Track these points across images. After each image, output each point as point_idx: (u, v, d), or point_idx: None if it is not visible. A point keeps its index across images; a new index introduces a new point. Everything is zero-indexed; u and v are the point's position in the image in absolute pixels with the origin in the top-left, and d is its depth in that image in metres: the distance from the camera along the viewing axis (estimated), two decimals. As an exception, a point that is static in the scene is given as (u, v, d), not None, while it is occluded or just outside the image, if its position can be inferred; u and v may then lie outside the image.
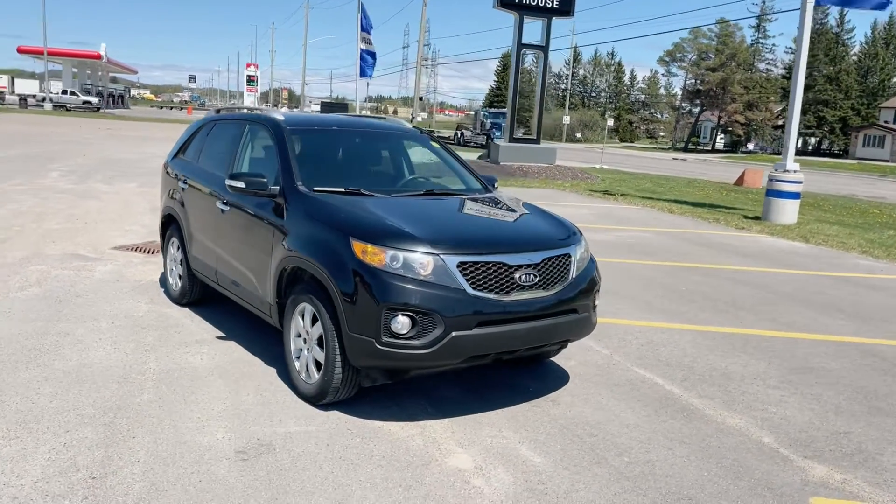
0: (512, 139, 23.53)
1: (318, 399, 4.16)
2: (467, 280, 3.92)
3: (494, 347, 4.03)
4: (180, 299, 6.20)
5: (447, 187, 5.34)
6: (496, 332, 3.96)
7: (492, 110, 56.74)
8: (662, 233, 12.43)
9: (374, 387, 4.37)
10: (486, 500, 3.28)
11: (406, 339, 3.81)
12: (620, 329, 6.26)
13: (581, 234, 4.75)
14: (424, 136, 5.90)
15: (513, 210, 4.98)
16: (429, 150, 5.82)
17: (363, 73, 41.26)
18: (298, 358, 4.37)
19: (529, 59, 59.54)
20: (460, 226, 4.53)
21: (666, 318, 6.69)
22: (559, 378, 4.98)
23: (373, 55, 41.69)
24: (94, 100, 61.75)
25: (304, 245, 4.24)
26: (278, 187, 4.64)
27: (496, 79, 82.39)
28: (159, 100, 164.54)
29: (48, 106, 55.56)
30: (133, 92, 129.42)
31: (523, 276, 4.08)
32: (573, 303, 4.32)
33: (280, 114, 5.46)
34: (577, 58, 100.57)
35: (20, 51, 64.26)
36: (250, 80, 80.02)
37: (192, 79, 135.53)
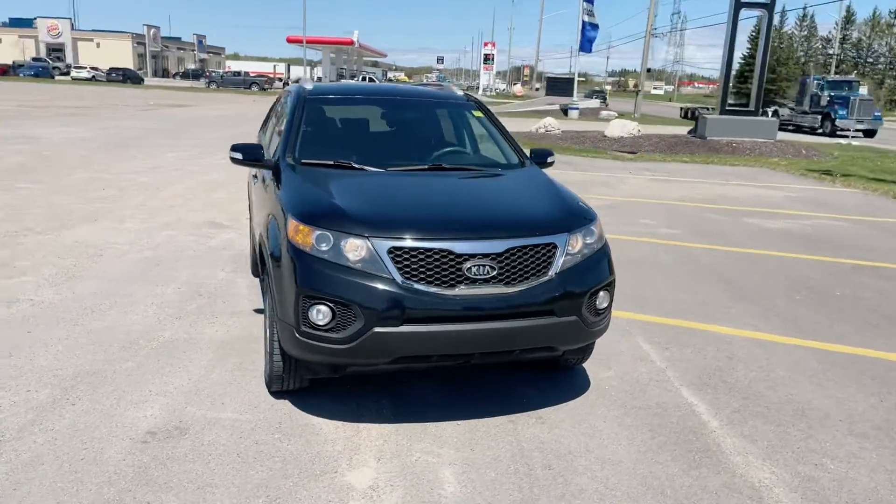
0: (724, 111, 21.06)
1: (269, 387, 3.91)
2: (399, 269, 3.38)
3: (432, 349, 3.45)
4: (253, 270, 6.33)
5: (464, 162, 4.73)
6: (432, 332, 3.37)
7: (832, 78, 38.01)
8: (863, 222, 10.21)
9: (354, 378, 4.03)
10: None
11: (324, 330, 3.39)
12: (706, 337, 5.15)
13: (591, 221, 3.90)
14: (468, 104, 5.31)
15: (515, 190, 4.26)
16: (470, 121, 5.23)
17: (583, 48, 40.12)
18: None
19: (790, 21, 51.92)
20: (415, 206, 3.93)
21: (779, 329, 5.38)
22: (571, 390, 4.19)
23: (595, 27, 40.27)
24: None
25: (269, 221, 4.00)
26: (275, 158, 4.43)
27: (749, 45, 74.76)
28: (411, 81, 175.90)
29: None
30: (389, 74, 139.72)
31: (475, 268, 3.42)
32: (551, 304, 3.55)
33: (311, 84, 5.26)
34: (850, 18, 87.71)
35: (288, 41, 72.18)
36: (487, 58, 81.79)
37: (441, 60, 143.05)
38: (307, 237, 3.44)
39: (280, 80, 75.05)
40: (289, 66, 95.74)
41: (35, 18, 75.69)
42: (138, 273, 6.21)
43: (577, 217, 3.87)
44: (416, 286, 3.36)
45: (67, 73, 60.38)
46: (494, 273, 3.45)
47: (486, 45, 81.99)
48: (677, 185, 13.32)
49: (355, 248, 3.39)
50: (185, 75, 75.82)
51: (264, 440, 3.46)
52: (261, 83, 59.80)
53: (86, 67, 59.83)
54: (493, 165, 4.78)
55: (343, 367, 3.67)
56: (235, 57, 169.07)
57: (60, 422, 3.55)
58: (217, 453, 3.32)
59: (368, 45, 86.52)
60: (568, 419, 3.83)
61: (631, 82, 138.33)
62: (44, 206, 8.78)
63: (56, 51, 73.05)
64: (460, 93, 5.50)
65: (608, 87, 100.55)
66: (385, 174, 4.28)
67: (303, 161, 4.35)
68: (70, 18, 76.56)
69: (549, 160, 5.06)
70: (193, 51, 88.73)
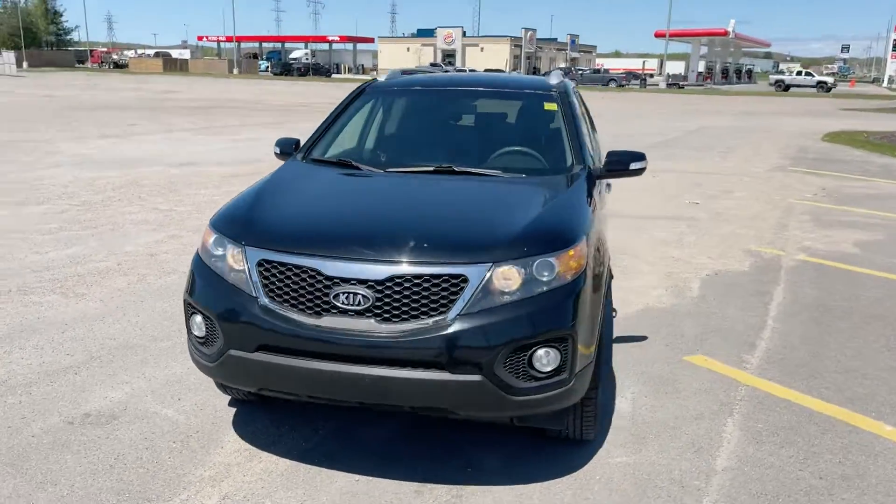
0: None
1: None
2: (264, 285, 2.90)
3: (291, 387, 2.89)
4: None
5: (495, 165, 3.86)
6: (287, 366, 2.82)
7: None
8: None
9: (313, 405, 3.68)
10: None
11: (200, 343, 3.09)
12: (718, 383, 3.49)
13: (553, 251, 2.87)
14: (544, 95, 4.35)
15: (493, 203, 3.32)
16: (540, 114, 4.30)
17: None
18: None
19: None
20: (330, 215, 3.28)
21: (806, 382, 3.37)
22: (544, 470, 3.17)
23: None
24: (829, 80, 57.85)
25: None
26: (301, 154, 4.23)
27: None
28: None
29: (662, 84, 59.74)
30: (781, 66, 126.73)
31: (345, 296, 2.76)
32: (440, 355, 2.70)
33: (394, 74, 4.91)
34: None
35: (656, 35, 70.26)
36: (896, 45, 68.96)
37: (846, 48, 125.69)
38: (206, 240, 3.17)
39: (648, 76, 73.32)
40: (662, 61, 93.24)
41: (436, 28, 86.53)
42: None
43: (526, 243, 2.88)
44: (277, 308, 2.85)
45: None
46: (368, 304, 2.75)
47: (897, 28, 68.95)
48: None
49: (234, 257, 3.01)
50: (554, 74, 78.96)
51: (159, 446, 3.31)
52: (618, 80, 59.39)
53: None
54: (530, 170, 3.85)
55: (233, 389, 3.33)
56: (616, 55, 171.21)
57: (28, 391, 3.88)
58: (106, 444, 3.28)
59: (747, 34, 79.46)
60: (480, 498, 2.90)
61: None
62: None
63: (448, 56, 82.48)
64: (554, 81, 4.56)
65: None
66: (375, 177, 3.75)
67: (312, 157, 4.06)
68: (461, 27, 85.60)
69: (634, 166, 3.93)
70: (565, 50, 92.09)
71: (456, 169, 3.73)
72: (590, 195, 3.61)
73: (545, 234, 2.97)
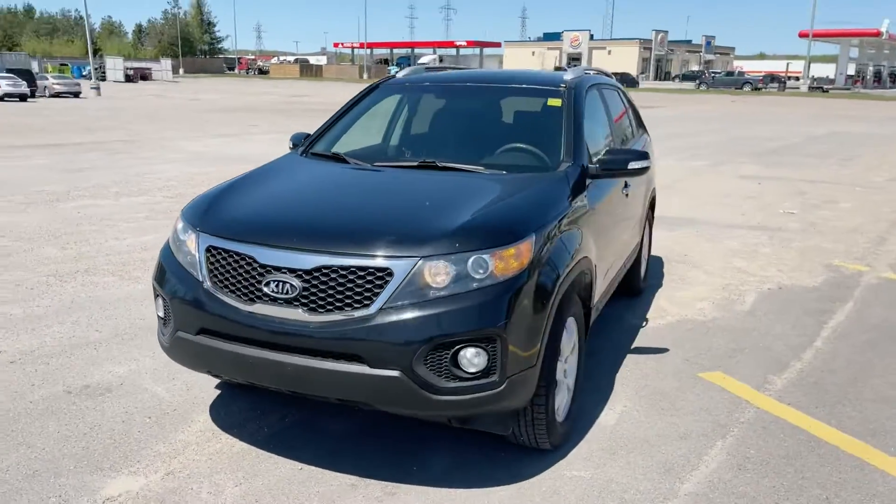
0: None
1: None
2: (209, 270, 2.99)
3: (230, 371, 2.96)
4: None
5: (480, 161, 3.75)
6: (223, 351, 2.89)
7: None
8: None
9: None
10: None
11: (161, 325, 3.24)
12: (724, 403, 3.12)
13: (489, 247, 2.77)
14: (550, 91, 4.16)
15: (455, 197, 3.22)
16: (543, 111, 4.13)
17: None
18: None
19: None
20: (278, 203, 3.29)
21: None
22: (487, 475, 3.06)
23: None
24: None
25: None
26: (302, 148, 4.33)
27: None
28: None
29: (804, 87, 55.74)
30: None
31: (276, 284, 2.80)
32: (360, 347, 2.67)
33: (414, 70, 4.91)
34: None
35: (800, 35, 65.71)
36: None
37: None
38: (176, 226, 3.31)
39: (791, 78, 68.62)
40: (807, 63, 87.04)
41: (562, 32, 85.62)
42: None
43: (459, 239, 2.78)
44: (218, 294, 2.93)
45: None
46: (296, 294, 2.77)
47: None
48: None
49: (190, 243, 3.12)
50: (685, 77, 75.88)
51: (135, 420, 3.49)
52: (754, 82, 56.02)
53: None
54: (515, 167, 3.70)
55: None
56: (761, 57, 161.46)
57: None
58: (88, 418, 3.50)
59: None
60: (407, 508, 2.84)
61: None
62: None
63: (574, 59, 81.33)
64: (569, 77, 4.35)
65: None
66: (351, 171, 3.76)
67: (312, 151, 4.14)
68: (588, 30, 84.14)
69: (634, 166, 3.72)
70: (699, 52, 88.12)
71: (439, 164, 3.68)
72: (573, 194, 3.44)
73: (484, 231, 2.86)
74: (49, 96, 36.65)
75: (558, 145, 3.78)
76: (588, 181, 3.67)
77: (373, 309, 2.68)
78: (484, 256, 2.76)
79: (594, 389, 3.94)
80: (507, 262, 2.79)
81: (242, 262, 2.89)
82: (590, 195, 3.67)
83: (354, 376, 2.68)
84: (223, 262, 2.95)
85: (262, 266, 2.84)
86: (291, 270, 2.79)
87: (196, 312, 2.96)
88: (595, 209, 3.71)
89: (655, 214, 6.33)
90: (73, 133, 18.08)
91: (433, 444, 3.33)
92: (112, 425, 3.44)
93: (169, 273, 3.13)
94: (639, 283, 5.56)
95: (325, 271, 2.75)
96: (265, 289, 2.81)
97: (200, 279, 2.99)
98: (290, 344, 2.76)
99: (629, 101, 5.72)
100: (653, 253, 6.91)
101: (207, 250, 3.01)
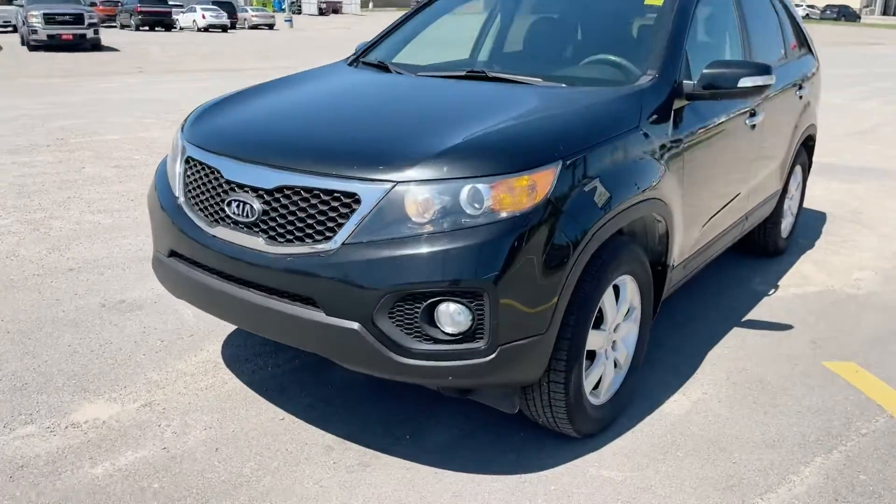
0: None
1: None
2: (184, 184, 2.60)
3: (199, 303, 2.58)
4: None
5: (526, 71, 2.98)
6: (189, 278, 2.51)
7: None
8: None
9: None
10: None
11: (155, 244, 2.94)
12: (849, 405, 2.18)
13: (494, 174, 2.12)
14: None
15: (483, 112, 2.53)
16: (641, 12, 3.25)
17: None
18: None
19: None
20: (266, 112, 2.73)
21: None
22: (486, 460, 2.48)
23: None
24: None
25: None
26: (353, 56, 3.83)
27: None
28: None
29: None
30: None
31: (237, 205, 2.35)
32: (315, 290, 2.17)
33: None
34: None
35: None
36: None
37: None
38: (175, 137, 2.95)
39: None
40: None
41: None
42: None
43: (450, 162, 2.14)
44: (189, 212, 2.54)
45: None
46: (255, 218, 2.30)
47: None
48: None
49: (177, 153, 2.74)
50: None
51: (147, 342, 3.29)
52: None
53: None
54: (579, 79, 2.92)
55: None
56: None
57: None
58: (104, 334, 3.35)
59: None
60: (397, 469, 2.33)
61: None
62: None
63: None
64: None
65: None
66: (384, 79, 3.19)
67: (362, 60, 3.61)
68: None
69: (745, 83, 2.79)
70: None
71: (489, 74, 3.00)
72: (651, 115, 2.63)
73: (486, 152, 2.19)
74: (248, 28, 39.09)
75: (645, 54, 2.93)
76: (681, 103, 2.82)
77: (334, 243, 2.15)
78: (479, 186, 2.11)
79: (671, 367, 3.16)
80: (514, 194, 2.12)
81: (211, 177, 2.47)
82: (683, 119, 2.83)
83: (310, 324, 2.19)
84: (196, 177, 2.55)
85: (228, 182, 2.40)
86: (254, 189, 2.32)
87: (167, 231, 2.61)
88: (689, 139, 2.86)
89: (831, 161, 5.12)
90: (253, 60, 18.96)
91: (441, 409, 2.79)
92: (122, 345, 3.26)
93: (154, 186, 2.80)
94: (777, 240, 4.50)
95: (286, 192, 2.25)
96: (227, 209, 2.37)
97: (177, 195, 2.62)
98: (247, 278, 2.32)
99: (790, 13, 4.55)
100: (817, 207, 5.71)
101: (186, 162, 2.63)
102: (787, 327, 3.61)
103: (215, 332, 3.39)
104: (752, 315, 3.77)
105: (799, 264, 4.54)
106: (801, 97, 4.33)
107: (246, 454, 2.50)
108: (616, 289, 2.56)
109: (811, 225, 5.27)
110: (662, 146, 2.68)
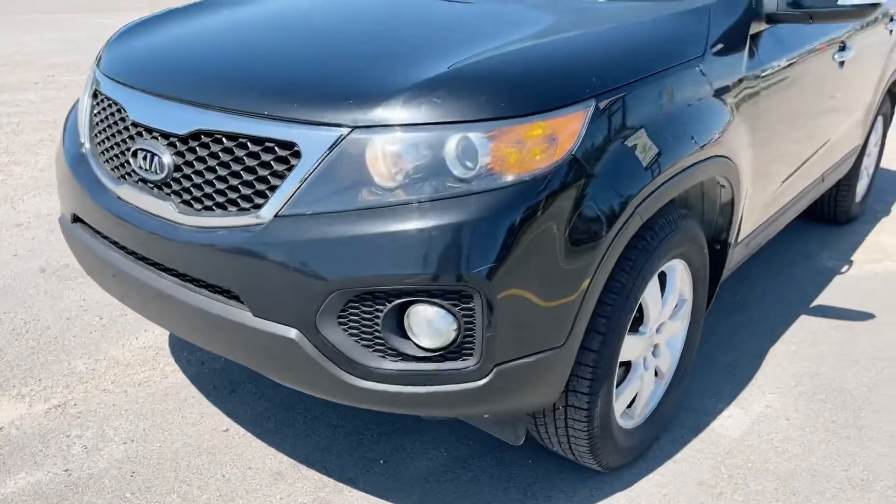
0: None
1: None
2: (91, 126, 1.97)
3: (105, 285, 1.96)
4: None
5: None
6: (93, 252, 1.90)
7: None
8: None
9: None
10: None
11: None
12: None
13: (494, 119, 1.45)
14: None
15: (481, 27, 1.85)
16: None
17: None
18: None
19: None
20: (199, 32, 2.04)
21: None
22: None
23: None
24: None
25: None
26: None
27: None
28: None
29: None
30: None
31: (143, 156, 1.71)
32: (235, 280, 1.54)
33: None
34: None
35: None
36: None
37: None
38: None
39: None
40: None
41: None
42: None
43: (428, 97, 1.46)
44: (92, 163, 1.92)
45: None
46: (164, 175, 1.66)
47: None
48: None
49: (90, 84, 2.10)
50: None
51: (83, 319, 2.72)
52: None
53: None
54: None
55: None
56: None
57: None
58: (36, 307, 2.79)
59: None
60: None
61: None
62: None
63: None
64: None
65: None
66: None
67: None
68: None
69: (847, 1, 2.05)
70: None
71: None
72: (719, 41, 1.93)
73: (480, 87, 1.51)
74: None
75: None
76: (760, 26, 2.10)
77: (265, 213, 1.51)
78: (473, 136, 1.44)
79: (723, 368, 2.52)
80: (523, 148, 1.46)
81: (116, 115, 1.83)
82: (760, 49, 2.11)
83: (231, 326, 1.57)
84: (103, 115, 1.91)
85: (135, 125, 1.75)
86: (164, 135, 1.67)
87: (68, 188, 1.99)
88: (768, 75, 2.15)
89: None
90: None
91: (427, 425, 2.18)
92: (52, 322, 2.70)
93: (63, 129, 2.18)
94: (849, 205, 3.77)
95: (205, 141, 1.60)
96: (132, 161, 1.74)
97: (82, 140, 1.99)
98: (154, 257, 1.70)
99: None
100: (893, 167, 4.92)
101: (93, 96, 1.99)
102: (868, 316, 2.93)
103: (166, 308, 2.80)
104: (822, 299, 3.08)
105: (875, 235, 3.81)
106: (891, 31, 3.53)
107: (169, 482, 1.93)
108: (662, 277, 1.91)
109: (887, 188, 4.50)
110: (733, 84, 1.97)
